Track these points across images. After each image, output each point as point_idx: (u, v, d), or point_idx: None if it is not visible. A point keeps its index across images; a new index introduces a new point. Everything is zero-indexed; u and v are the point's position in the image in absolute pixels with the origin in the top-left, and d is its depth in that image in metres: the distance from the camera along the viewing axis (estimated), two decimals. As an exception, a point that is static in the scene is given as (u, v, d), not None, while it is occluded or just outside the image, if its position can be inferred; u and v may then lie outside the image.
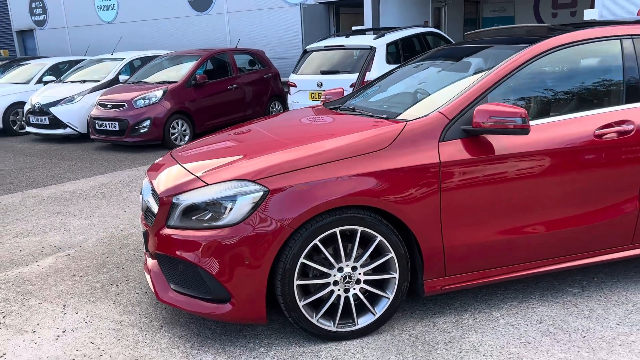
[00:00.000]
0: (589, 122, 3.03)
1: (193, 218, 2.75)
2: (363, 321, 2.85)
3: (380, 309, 2.87)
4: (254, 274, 2.64)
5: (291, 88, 8.38)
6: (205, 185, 2.76)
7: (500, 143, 2.88)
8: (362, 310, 2.87)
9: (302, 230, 2.66)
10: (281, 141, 3.12)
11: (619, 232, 3.16)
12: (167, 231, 2.82)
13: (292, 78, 8.42)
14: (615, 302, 3.15)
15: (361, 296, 2.84)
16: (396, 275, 2.84)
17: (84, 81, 10.45)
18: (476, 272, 2.99)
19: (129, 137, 8.68)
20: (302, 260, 2.68)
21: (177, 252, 2.75)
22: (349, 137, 2.88)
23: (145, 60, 10.83)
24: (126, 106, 8.75)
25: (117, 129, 8.71)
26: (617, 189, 3.09)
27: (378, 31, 8.74)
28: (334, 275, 2.77)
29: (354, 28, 10.34)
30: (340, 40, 8.33)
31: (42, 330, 3.06)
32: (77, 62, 12.25)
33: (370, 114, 3.31)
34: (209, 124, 9.38)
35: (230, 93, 9.78)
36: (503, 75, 2.99)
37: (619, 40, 3.22)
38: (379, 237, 2.77)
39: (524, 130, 2.74)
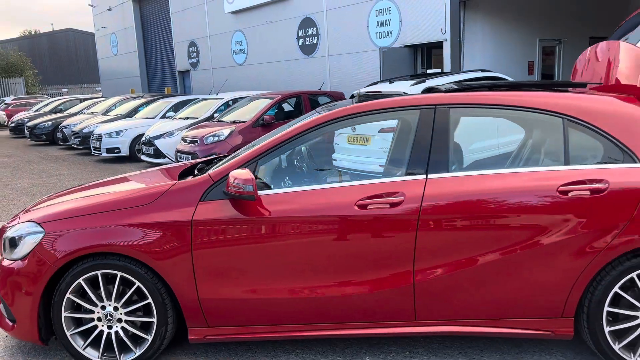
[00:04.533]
0: (353, 191, 2.99)
1: (14, 249, 3.36)
2: (125, 358, 3.17)
3: (142, 348, 3.16)
4: (27, 302, 3.15)
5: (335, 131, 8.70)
6: (18, 223, 3.37)
7: (266, 207, 3.02)
8: (126, 347, 3.19)
9: (69, 269, 3.11)
10: (102, 191, 3.56)
11: (397, 307, 3.02)
12: (1, 259, 3.47)
13: (337, 121, 8.75)
14: (392, 380, 3.01)
15: (122, 334, 3.17)
16: (154, 319, 3.13)
17: (187, 118, 11.95)
18: (240, 326, 3.13)
19: (198, 170, 9.78)
20: (68, 295, 3.12)
21: (-3, 278, 3.39)
22: (128, 191, 3.26)
23: (240, 100, 12.00)
24: (198, 142, 9.87)
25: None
26: (385, 262, 2.97)
27: (442, 75, 8.64)
28: (97, 312, 3.16)
29: (427, 71, 10.30)
30: (382, 86, 8.43)
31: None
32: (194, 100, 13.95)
33: (196, 171, 3.57)
34: (274, 160, 10.09)
35: (298, 133, 10.40)
36: (275, 144, 3.12)
37: (418, 110, 3.12)
38: (138, 283, 3.09)
39: (250, 196, 2.88)
